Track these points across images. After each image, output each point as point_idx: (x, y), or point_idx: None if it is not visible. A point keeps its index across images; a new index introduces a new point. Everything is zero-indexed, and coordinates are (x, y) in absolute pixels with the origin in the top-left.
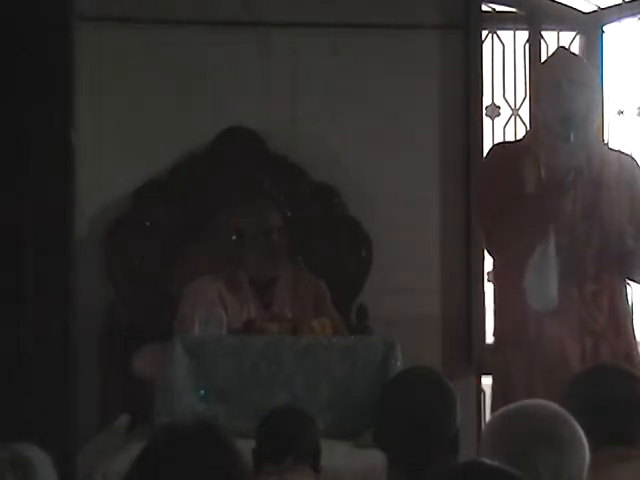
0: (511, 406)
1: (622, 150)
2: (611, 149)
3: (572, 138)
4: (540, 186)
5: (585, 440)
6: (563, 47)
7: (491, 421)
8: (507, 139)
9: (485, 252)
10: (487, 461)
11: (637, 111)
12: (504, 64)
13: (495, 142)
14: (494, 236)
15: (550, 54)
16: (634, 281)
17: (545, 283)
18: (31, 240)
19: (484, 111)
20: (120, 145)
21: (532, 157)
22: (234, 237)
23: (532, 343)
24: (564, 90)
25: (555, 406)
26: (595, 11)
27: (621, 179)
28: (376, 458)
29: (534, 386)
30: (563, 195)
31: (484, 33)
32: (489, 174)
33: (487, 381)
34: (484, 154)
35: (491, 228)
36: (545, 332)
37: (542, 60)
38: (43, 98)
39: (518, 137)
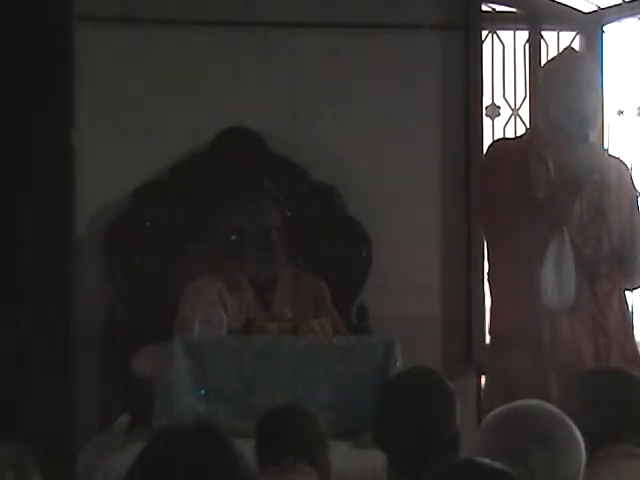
0: (508, 405)
1: (620, 157)
2: (610, 155)
3: (590, 137)
4: (554, 185)
5: (582, 441)
6: (572, 48)
7: (488, 420)
8: None
9: (485, 252)
10: (482, 460)
11: (637, 111)
12: (504, 64)
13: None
14: (498, 234)
15: (560, 53)
16: (627, 286)
17: (563, 281)
18: (31, 240)
19: (484, 111)
20: (120, 145)
21: (537, 156)
22: (234, 237)
23: (544, 343)
24: (581, 90)
25: (552, 407)
26: (595, 11)
27: (622, 183)
28: (376, 458)
29: (544, 386)
30: (579, 194)
31: (484, 33)
32: (491, 171)
33: None
34: (484, 154)
35: (495, 226)
36: (559, 331)
37: (549, 59)
38: (43, 98)
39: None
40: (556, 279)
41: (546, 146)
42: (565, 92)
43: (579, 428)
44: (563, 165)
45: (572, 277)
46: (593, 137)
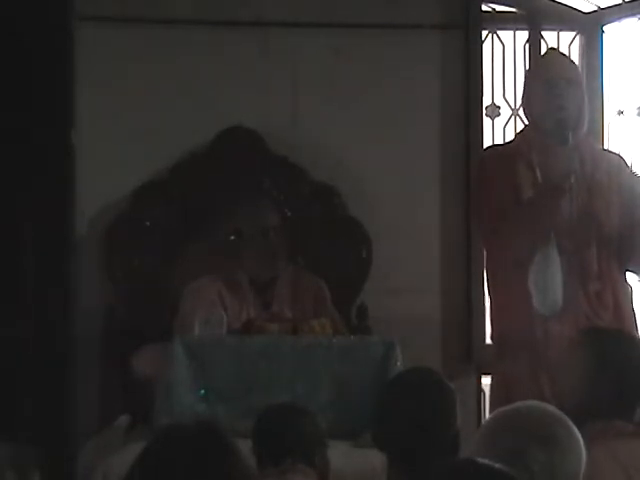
0: (509, 406)
1: (610, 150)
2: (604, 149)
3: (570, 139)
4: (537, 190)
5: (581, 440)
6: (553, 48)
7: (488, 420)
8: (507, 139)
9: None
10: (482, 460)
11: (637, 111)
12: (504, 64)
13: (494, 142)
14: (494, 241)
15: (541, 55)
16: (634, 272)
17: (549, 287)
18: (31, 240)
19: (484, 111)
20: (120, 145)
21: (525, 160)
22: (233, 237)
23: (538, 344)
24: (560, 91)
25: (552, 407)
26: (595, 11)
27: (612, 177)
28: (376, 458)
29: (540, 387)
30: (561, 198)
31: (484, 33)
32: (484, 180)
33: (487, 381)
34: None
35: (491, 233)
36: (552, 334)
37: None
38: (43, 98)
39: None
40: (542, 285)
41: (532, 150)
42: (544, 93)
43: (577, 394)
44: (547, 169)
45: (558, 282)
46: (576, 139)
